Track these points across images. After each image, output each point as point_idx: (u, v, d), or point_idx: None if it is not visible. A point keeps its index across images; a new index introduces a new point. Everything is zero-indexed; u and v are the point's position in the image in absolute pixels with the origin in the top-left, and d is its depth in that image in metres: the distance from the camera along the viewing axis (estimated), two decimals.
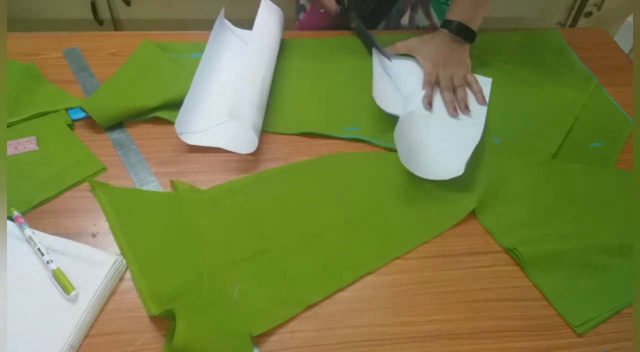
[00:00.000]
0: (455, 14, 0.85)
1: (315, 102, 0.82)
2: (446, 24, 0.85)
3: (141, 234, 0.63)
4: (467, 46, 0.86)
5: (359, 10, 0.91)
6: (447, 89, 0.82)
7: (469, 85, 0.84)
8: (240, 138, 0.74)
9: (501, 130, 0.80)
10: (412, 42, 0.88)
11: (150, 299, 0.57)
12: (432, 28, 1.01)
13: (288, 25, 0.94)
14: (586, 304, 0.61)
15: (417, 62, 0.87)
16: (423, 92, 0.82)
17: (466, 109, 0.80)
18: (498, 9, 1.58)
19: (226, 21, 0.90)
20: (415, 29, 1.02)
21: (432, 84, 0.84)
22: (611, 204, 0.72)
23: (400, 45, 0.88)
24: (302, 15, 1.02)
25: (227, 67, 0.84)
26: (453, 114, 0.80)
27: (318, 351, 0.56)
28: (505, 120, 0.82)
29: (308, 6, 1.01)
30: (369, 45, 0.88)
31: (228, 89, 0.79)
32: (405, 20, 1.00)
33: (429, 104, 0.81)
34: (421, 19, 1.01)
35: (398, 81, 0.84)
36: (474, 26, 0.85)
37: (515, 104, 0.85)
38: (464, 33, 0.84)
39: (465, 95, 0.82)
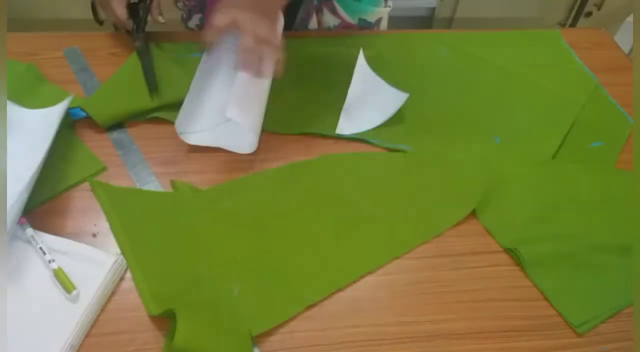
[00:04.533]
0: None
1: (315, 102, 0.82)
2: None
3: (141, 234, 0.63)
4: None
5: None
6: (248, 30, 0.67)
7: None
8: (240, 138, 0.74)
9: (501, 130, 0.80)
10: (223, 16, 0.67)
11: (150, 298, 0.57)
12: (344, 26, 0.95)
13: None
14: (586, 304, 0.61)
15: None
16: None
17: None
18: (498, 9, 1.58)
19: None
20: (327, 30, 0.96)
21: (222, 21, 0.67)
22: (611, 204, 0.72)
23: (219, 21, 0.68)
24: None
25: (227, 67, 0.84)
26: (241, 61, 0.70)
27: (318, 351, 0.56)
28: (505, 120, 0.82)
29: None
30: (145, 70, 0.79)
31: (228, 89, 0.79)
32: (314, 25, 0.95)
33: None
34: (330, 19, 0.95)
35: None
36: None
37: (515, 104, 0.85)
38: None
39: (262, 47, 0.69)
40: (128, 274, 0.60)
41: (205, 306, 0.57)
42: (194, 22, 0.98)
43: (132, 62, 0.83)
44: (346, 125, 0.78)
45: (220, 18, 0.67)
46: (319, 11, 0.95)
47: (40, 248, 0.59)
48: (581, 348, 0.58)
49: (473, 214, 0.69)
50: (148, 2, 0.82)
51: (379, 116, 0.79)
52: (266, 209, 0.67)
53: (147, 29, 0.84)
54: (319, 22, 0.96)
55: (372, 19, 0.97)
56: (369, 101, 0.81)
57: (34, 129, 0.70)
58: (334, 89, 0.84)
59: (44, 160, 0.64)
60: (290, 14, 0.93)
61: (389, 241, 0.65)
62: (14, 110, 0.72)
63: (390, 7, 0.98)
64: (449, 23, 1.65)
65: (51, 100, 0.75)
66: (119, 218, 0.64)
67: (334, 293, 0.60)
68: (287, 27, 0.90)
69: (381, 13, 0.97)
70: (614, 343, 0.58)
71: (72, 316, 0.54)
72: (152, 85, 0.78)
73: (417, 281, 0.62)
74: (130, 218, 0.64)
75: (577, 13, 1.58)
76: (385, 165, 0.74)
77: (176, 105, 0.76)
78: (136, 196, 0.67)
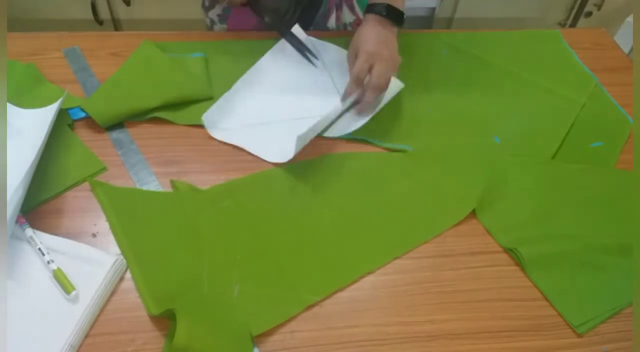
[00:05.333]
0: None
1: None
2: (371, 8, 0.80)
3: (141, 234, 0.63)
4: (395, 31, 0.80)
5: (283, 20, 0.87)
6: (375, 89, 0.75)
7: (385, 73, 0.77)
8: (266, 145, 0.74)
9: (501, 130, 0.80)
10: (351, 53, 0.80)
11: (150, 298, 0.57)
12: (358, 23, 0.98)
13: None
14: (586, 304, 0.61)
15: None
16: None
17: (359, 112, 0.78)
18: (498, 9, 1.58)
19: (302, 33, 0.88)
20: (343, 29, 0.99)
21: (361, 81, 0.76)
22: (611, 204, 0.72)
23: (354, 69, 0.77)
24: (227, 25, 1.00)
25: (278, 81, 0.84)
26: (358, 112, 0.78)
27: (318, 350, 0.56)
28: (505, 120, 0.82)
29: (217, 20, 0.98)
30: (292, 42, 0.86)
31: (271, 100, 0.81)
32: (332, 22, 0.97)
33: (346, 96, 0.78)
34: (347, 16, 0.98)
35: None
36: (400, 7, 0.80)
37: (515, 104, 0.85)
38: (392, 14, 0.79)
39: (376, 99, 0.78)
40: (128, 274, 0.60)
41: (205, 306, 0.57)
42: (215, 12, 0.98)
43: (133, 61, 0.83)
44: (343, 124, 0.77)
45: (363, 67, 0.76)
46: (339, 7, 0.96)
47: (39, 249, 0.59)
48: (581, 348, 0.58)
49: (473, 214, 0.69)
50: None
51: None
52: (266, 209, 0.67)
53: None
54: (338, 18, 0.98)
55: None
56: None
57: (29, 128, 0.70)
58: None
59: (38, 158, 0.64)
60: (312, 10, 0.94)
61: (389, 241, 0.65)
62: (9, 111, 0.72)
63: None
64: (449, 23, 1.65)
65: (51, 100, 0.75)
66: (119, 218, 0.64)
67: (334, 293, 0.60)
68: (308, 22, 0.93)
69: None
70: (614, 343, 0.58)
71: (72, 316, 0.54)
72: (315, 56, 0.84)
73: (417, 281, 0.62)
74: (130, 218, 0.64)
75: (577, 13, 1.58)
76: (385, 165, 0.74)
77: (176, 105, 0.77)
78: (136, 195, 0.67)
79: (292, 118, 0.78)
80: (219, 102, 0.78)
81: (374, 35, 0.78)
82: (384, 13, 0.79)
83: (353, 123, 0.77)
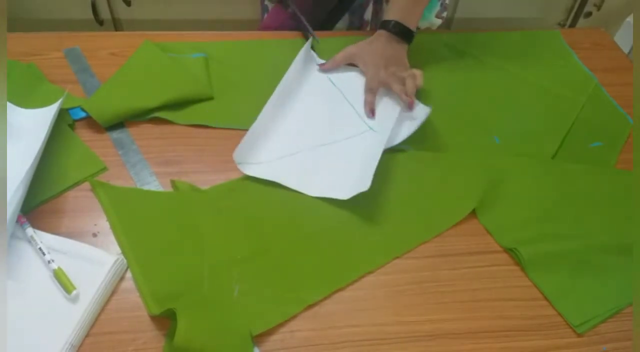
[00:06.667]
0: (392, 14, 0.83)
1: None
2: (384, 24, 0.83)
3: (142, 233, 0.63)
4: (406, 47, 0.83)
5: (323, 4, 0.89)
6: (395, 81, 0.79)
7: (414, 77, 0.79)
8: (302, 177, 0.70)
9: (501, 130, 0.80)
10: (351, 49, 0.84)
11: (150, 298, 0.57)
12: None
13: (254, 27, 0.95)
14: (586, 303, 0.61)
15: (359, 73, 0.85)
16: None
17: (411, 102, 0.78)
18: (498, 9, 1.58)
19: (313, 53, 0.88)
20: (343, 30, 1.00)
21: (374, 90, 0.81)
22: (611, 204, 0.72)
23: (340, 57, 0.85)
24: (265, 17, 1.01)
25: (305, 103, 0.81)
26: (407, 101, 0.77)
27: (318, 350, 0.56)
28: (505, 120, 0.82)
29: (270, 6, 1.00)
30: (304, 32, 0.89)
31: (303, 126, 0.77)
32: (368, 14, 0.98)
33: (371, 111, 0.79)
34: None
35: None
36: (412, 26, 0.83)
37: (515, 104, 0.85)
38: (402, 32, 0.82)
39: (414, 87, 0.78)
40: (128, 274, 0.60)
41: (206, 305, 0.57)
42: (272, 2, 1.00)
43: (133, 61, 0.83)
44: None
45: (373, 78, 0.81)
46: (377, 1, 0.97)
47: (40, 249, 0.59)
48: (581, 348, 0.58)
49: (473, 214, 0.69)
50: None
51: (403, 132, 0.76)
52: (266, 209, 0.67)
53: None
54: (376, 13, 0.98)
55: (422, 25, 0.98)
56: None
57: (30, 128, 0.70)
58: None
59: (38, 158, 0.64)
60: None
61: (389, 241, 0.65)
62: (9, 110, 0.72)
63: (442, 19, 0.99)
64: (449, 23, 1.65)
65: (51, 100, 0.76)
66: (119, 218, 0.64)
67: (334, 293, 0.60)
68: (345, 8, 0.95)
69: (432, 24, 0.99)
70: (614, 343, 0.58)
71: (73, 316, 0.54)
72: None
73: (417, 280, 0.62)
74: (131, 218, 0.64)
75: (577, 13, 1.58)
76: (386, 166, 0.74)
77: (177, 105, 0.77)
78: (136, 195, 0.67)
79: (320, 144, 0.75)
80: (247, 137, 0.71)
81: (380, 51, 0.82)
82: (394, 30, 0.82)
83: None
